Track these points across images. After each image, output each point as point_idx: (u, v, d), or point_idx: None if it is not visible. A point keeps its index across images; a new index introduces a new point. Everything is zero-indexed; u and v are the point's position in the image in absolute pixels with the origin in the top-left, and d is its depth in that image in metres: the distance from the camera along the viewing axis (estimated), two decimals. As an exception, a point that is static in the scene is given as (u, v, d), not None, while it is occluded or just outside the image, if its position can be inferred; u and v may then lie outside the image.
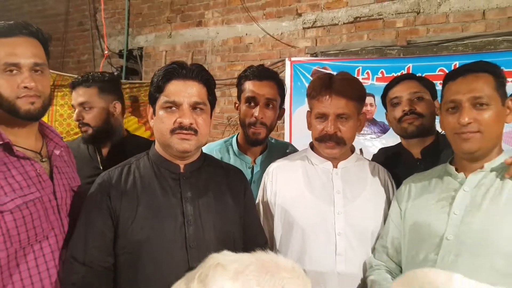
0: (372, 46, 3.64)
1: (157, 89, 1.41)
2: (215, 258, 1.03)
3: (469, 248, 1.24)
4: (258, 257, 1.02)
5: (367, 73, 3.41)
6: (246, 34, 4.33)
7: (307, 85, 3.60)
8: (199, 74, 1.42)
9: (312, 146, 1.74)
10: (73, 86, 2.17)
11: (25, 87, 1.34)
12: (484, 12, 3.23)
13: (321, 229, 1.58)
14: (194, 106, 1.39)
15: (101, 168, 2.15)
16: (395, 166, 1.83)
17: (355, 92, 1.59)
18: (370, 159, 1.85)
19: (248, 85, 1.93)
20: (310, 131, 1.68)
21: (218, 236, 1.42)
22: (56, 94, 3.54)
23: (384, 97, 1.97)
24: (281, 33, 4.12)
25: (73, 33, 5.76)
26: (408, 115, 1.82)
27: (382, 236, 1.58)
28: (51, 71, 3.58)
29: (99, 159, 2.20)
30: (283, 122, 3.86)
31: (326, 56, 3.77)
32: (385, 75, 3.23)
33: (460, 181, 1.40)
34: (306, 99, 3.65)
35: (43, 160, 1.47)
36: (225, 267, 0.98)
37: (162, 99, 1.40)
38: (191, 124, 1.37)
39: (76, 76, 3.62)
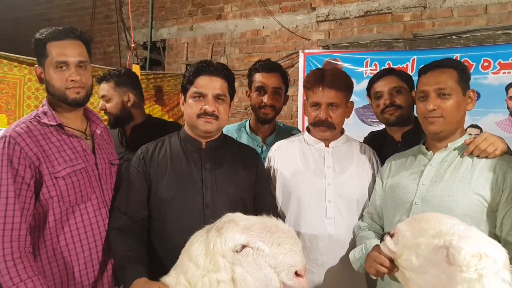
0: (381, 39, 3.85)
1: (188, 81, 1.79)
2: (229, 216, 1.38)
3: (431, 211, 1.51)
4: (263, 219, 1.36)
5: (375, 64, 3.64)
6: (263, 27, 4.57)
7: (319, 76, 3.91)
8: (222, 71, 1.79)
9: (308, 129, 2.07)
10: (98, 81, 2.61)
11: (72, 80, 1.69)
12: (486, 6, 3.42)
13: (314, 198, 1.91)
14: (216, 97, 1.76)
15: (124, 147, 2.56)
16: (381, 147, 2.15)
17: (343, 84, 1.90)
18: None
19: (258, 77, 2.32)
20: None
21: (230, 199, 1.77)
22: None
23: (368, 90, 2.27)
24: (296, 26, 4.36)
25: (100, 25, 6.05)
26: (388, 107, 2.12)
27: (368, 205, 1.91)
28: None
29: (124, 140, 2.62)
30: (297, 110, 4.13)
31: (337, 49, 4.00)
32: (392, 66, 3.46)
33: (428, 158, 1.70)
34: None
35: (87, 138, 1.83)
36: (237, 223, 1.32)
37: (192, 89, 1.77)
38: (214, 111, 1.74)
39: (102, 66, 3.99)
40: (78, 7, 6.26)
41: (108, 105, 2.56)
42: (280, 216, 1.95)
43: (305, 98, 2.00)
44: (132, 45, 4.95)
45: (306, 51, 3.97)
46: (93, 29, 6.08)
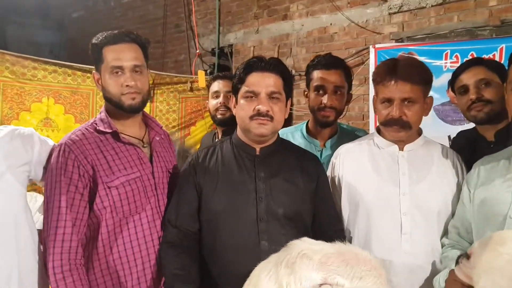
0: (462, 28, 3.47)
1: (239, 80, 1.63)
2: (299, 246, 1.17)
3: None
4: (338, 248, 1.16)
5: (456, 56, 3.27)
6: (331, 24, 4.36)
7: (392, 72, 3.60)
8: (276, 67, 1.62)
9: (378, 130, 1.81)
10: (213, 78, 2.73)
11: (127, 86, 1.62)
12: None
13: (386, 210, 1.67)
14: (270, 95, 1.59)
15: None
16: (470, 149, 1.84)
17: (420, 76, 1.63)
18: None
19: (316, 74, 2.09)
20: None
21: (287, 213, 1.59)
22: (156, 92, 3.93)
23: (452, 84, 1.95)
24: (366, 20, 4.09)
25: (171, 35, 6.19)
26: (475, 102, 1.80)
27: (454, 217, 1.62)
28: (150, 71, 3.96)
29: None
30: (369, 110, 3.85)
31: (412, 41, 3.67)
32: (475, 55, 3.08)
33: None
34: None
35: (145, 146, 1.75)
36: (310, 257, 1.13)
37: (243, 89, 1.61)
38: (268, 111, 1.57)
39: (173, 75, 4.02)
40: (151, 18, 6.46)
41: (216, 101, 2.58)
42: (345, 232, 1.75)
43: (374, 94, 1.76)
44: (197, 51, 4.95)
45: (377, 45, 3.69)
46: (165, 38, 6.24)
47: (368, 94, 3.80)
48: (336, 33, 4.33)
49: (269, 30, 4.92)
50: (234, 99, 1.68)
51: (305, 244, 1.17)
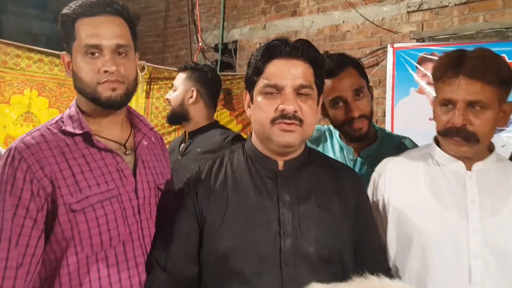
0: (490, 29, 3.19)
1: (255, 70, 1.22)
2: None
3: None
4: (356, 285, 0.82)
5: (485, 58, 2.98)
6: (343, 22, 4.08)
7: (413, 73, 3.33)
8: (305, 51, 1.20)
9: (437, 140, 1.40)
10: (178, 70, 2.37)
11: (106, 72, 1.20)
12: None
13: (450, 248, 1.28)
14: (299, 91, 1.18)
15: (178, 156, 2.20)
16: None
17: (495, 73, 1.24)
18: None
19: (328, 85, 1.61)
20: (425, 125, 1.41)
21: (321, 253, 1.17)
22: (152, 87, 3.62)
23: None
24: (382, 19, 3.81)
25: (172, 29, 5.93)
26: None
27: None
28: (147, 64, 3.69)
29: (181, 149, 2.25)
30: (384, 116, 3.56)
31: (434, 41, 3.38)
32: (508, 60, 2.78)
33: None
34: (411, 90, 3.38)
35: (127, 153, 1.32)
36: None
37: (261, 82, 1.20)
38: (295, 112, 1.16)
39: (172, 69, 3.71)
40: (152, 10, 6.19)
41: (171, 95, 2.26)
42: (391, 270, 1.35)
43: (434, 94, 1.38)
44: (199, 44, 4.65)
45: (395, 45, 3.39)
46: (166, 32, 5.98)
47: (384, 98, 3.51)
48: (349, 31, 4.05)
49: (276, 27, 4.64)
50: (248, 96, 1.27)
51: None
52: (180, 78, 2.25)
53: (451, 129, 1.27)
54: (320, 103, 1.30)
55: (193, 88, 2.20)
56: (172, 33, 5.94)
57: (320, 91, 1.26)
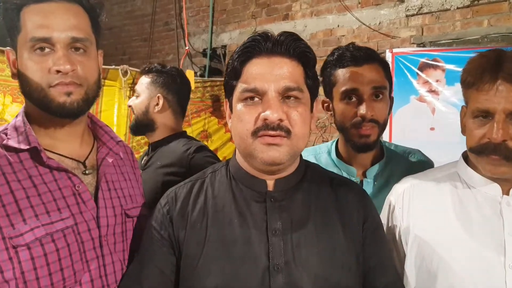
0: (496, 33, 2.99)
1: (233, 73, 1.01)
2: None
3: None
4: None
5: (492, 64, 2.79)
6: (338, 26, 3.87)
7: (413, 80, 3.12)
8: (291, 46, 0.98)
9: (466, 157, 1.20)
10: (141, 72, 2.08)
11: (58, 71, 0.99)
12: None
13: None
14: (284, 94, 0.97)
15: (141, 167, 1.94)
16: None
17: None
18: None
19: (343, 74, 1.40)
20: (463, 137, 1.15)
21: None
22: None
23: None
24: (379, 23, 3.60)
25: (159, 33, 5.71)
26: None
27: None
28: (130, 68, 3.44)
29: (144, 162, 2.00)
30: (381, 125, 3.35)
31: (436, 46, 3.18)
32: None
33: None
34: (411, 98, 3.16)
35: (87, 172, 1.10)
36: None
37: (239, 87, 1.00)
38: (281, 120, 0.95)
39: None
40: (138, 14, 5.97)
41: (134, 101, 1.96)
42: None
43: (464, 103, 1.18)
44: (186, 47, 4.42)
45: (395, 50, 3.18)
46: (153, 36, 5.76)
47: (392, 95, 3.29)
48: (343, 35, 3.84)
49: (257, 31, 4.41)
50: (228, 105, 1.07)
51: None
52: (144, 83, 1.95)
53: (488, 146, 1.06)
54: (315, 109, 1.07)
55: (159, 95, 1.93)
56: (159, 37, 5.72)
57: (313, 94, 1.05)
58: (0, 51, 2.64)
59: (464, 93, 1.14)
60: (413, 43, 3.35)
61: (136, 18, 5.98)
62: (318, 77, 1.12)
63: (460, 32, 3.18)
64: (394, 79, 3.10)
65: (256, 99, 0.97)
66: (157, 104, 1.93)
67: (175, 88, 1.97)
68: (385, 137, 3.17)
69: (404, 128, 3.08)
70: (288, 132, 0.96)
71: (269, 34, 0.99)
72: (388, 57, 3.16)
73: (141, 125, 1.95)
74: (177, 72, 2.04)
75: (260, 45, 0.98)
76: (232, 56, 1.03)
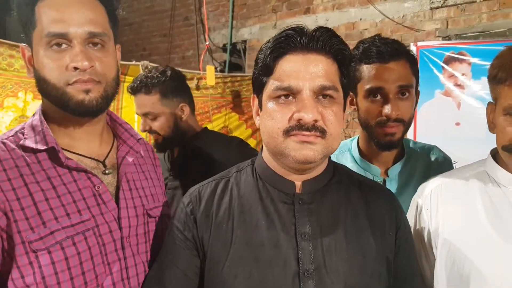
0: (525, 25, 2.92)
1: (264, 70, 0.97)
2: None
3: None
4: None
5: (521, 57, 2.71)
6: (361, 19, 3.82)
7: (438, 74, 3.06)
8: (327, 43, 0.94)
9: (494, 155, 1.17)
10: (133, 93, 1.87)
11: (76, 68, 0.95)
12: None
13: None
14: (320, 93, 0.94)
15: (169, 173, 1.90)
16: None
17: None
18: None
19: (369, 70, 1.37)
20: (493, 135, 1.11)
21: None
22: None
23: None
24: (403, 16, 3.55)
25: (179, 28, 5.72)
26: None
27: None
28: (151, 64, 3.45)
29: (169, 163, 1.94)
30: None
31: (462, 39, 3.11)
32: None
33: None
34: (436, 92, 3.10)
35: (107, 172, 1.07)
36: None
37: (271, 84, 0.96)
38: (316, 121, 0.92)
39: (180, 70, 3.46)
40: (158, 9, 5.99)
41: (155, 125, 1.84)
42: None
43: (492, 99, 1.15)
44: (206, 43, 4.41)
45: (419, 43, 3.12)
46: (172, 32, 5.77)
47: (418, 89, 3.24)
48: (366, 29, 3.78)
49: (288, 26, 4.38)
50: (256, 101, 1.04)
51: None
52: (154, 102, 1.82)
53: None
54: (348, 108, 1.05)
55: (181, 104, 1.87)
56: (178, 32, 5.74)
57: (346, 92, 1.02)
58: (17, 46, 2.69)
59: (493, 89, 1.11)
60: (438, 36, 3.29)
61: (156, 13, 6.00)
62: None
63: (487, 25, 3.10)
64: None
65: (290, 97, 0.94)
66: (183, 113, 1.88)
67: (179, 87, 1.91)
68: (409, 133, 3.12)
69: (429, 123, 3.03)
70: (323, 132, 0.93)
71: (304, 29, 0.95)
72: (413, 50, 3.10)
73: (171, 141, 1.88)
74: (171, 70, 1.94)
75: (295, 40, 0.94)
76: (262, 49, 0.99)
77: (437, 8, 3.36)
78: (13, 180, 0.92)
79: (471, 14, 3.20)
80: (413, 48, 3.09)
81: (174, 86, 1.87)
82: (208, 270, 0.98)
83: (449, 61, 2.96)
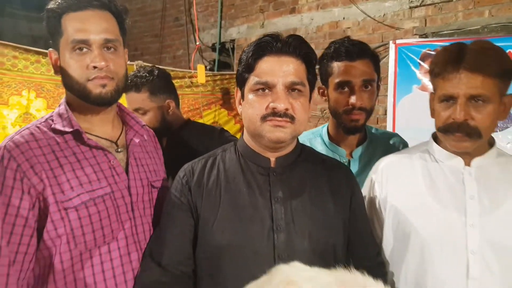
0: (496, 23, 3.07)
1: (246, 68, 1.22)
2: (284, 272, 0.81)
3: None
4: (339, 276, 0.80)
5: (491, 53, 2.86)
6: (344, 18, 3.97)
7: (415, 70, 3.21)
8: (297, 47, 1.20)
9: (435, 137, 1.37)
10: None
11: (95, 67, 1.20)
12: None
13: (448, 245, 1.26)
14: (290, 88, 1.19)
15: None
16: None
17: (496, 66, 1.20)
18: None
19: (338, 67, 1.62)
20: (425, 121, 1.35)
21: (315, 247, 1.18)
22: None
23: None
24: (384, 15, 3.70)
25: (170, 29, 5.84)
26: None
27: None
28: (144, 63, 3.59)
29: None
30: (385, 114, 3.44)
31: (438, 37, 3.27)
32: (515, 55, 2.68)
33: None
34: (413, 87, 3.26)
35: (119, 150, 1.33)
36: (299, 286, 0.77)
37: (252, 79, 1.20)
38: (287, 110, 1.17)
39: (170, 68, 3.60)
40: (149, 11, 6.11)
41: (145, 118, 2.01)
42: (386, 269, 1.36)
43: (432, 90, 1.36)
44: (197, 43, 4.54)
45: (398, 41, 3.28)
46: (163, 32, 5.89)
47: (385, 95, 3.39)
48: (349, 28, 3.94)
49: (275, 25, 4.53)
50: (239, 93, 1.27)
51: (293, 270, 0.83)
52: (144, 98, 2.01)
53: (452, 125, 1.24)
54: (313, 99, 1.28)
55: (168, 100, 2.06)
56: (169, 33, 5.86)
57: (312, 87, 1.26)
58: (24, 49, 2.82)
59: (432, 82, 1.32)
60: (415, 34, 3.44)
61: (147, 14, 6.12)
62: (316, 66, 1.31)
63: (462, 23, 3.26)
64: (397, 69, 3.22)
65: (266, 90, 1.18)
66: (170, 107, 2.07)
67: (165, 84, 2.09)
68: (389, 125, 3.28)
69: (407, 117, 3.18)
70: (292, 118, 1.17)
71: (279, 36, 1.20)
72: (392, 48, 3.26)
73: (160, 132, 1.95)
74: (158, 69, 2.11)
75: (272, 45, 1.18)
76: (245, 51, 1.23)
77: (416, 7, 3.52)
78: (47, 155, 1.17)
79: (448, 13, 3.36)
80: (391, 46, 3.24)
81: (161, 84, 2.07)
82: (201, 227, 1.21)
83: (425, 57, 3.11)
